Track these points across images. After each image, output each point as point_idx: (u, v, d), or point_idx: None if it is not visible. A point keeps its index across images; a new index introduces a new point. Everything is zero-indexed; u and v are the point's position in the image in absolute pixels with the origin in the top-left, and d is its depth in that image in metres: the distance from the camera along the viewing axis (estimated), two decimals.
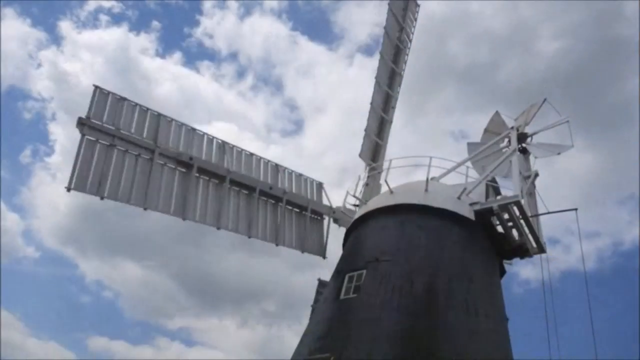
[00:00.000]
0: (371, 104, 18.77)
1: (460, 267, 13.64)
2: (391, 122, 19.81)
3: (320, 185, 19.36)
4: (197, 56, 68.58)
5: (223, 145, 17.21)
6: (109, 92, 15.07)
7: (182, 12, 67.04)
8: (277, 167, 18.30)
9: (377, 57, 19.73)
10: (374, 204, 16.00)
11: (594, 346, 14.25)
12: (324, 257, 18.25)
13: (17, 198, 59.11)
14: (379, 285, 12.92)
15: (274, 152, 62.04)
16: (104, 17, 62.52)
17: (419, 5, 22.27)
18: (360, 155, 18.48)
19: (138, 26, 66.13)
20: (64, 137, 58.24)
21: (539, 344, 14.75)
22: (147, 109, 15.79)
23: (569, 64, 51.59)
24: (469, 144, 19.95)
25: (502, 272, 15.81)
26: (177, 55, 67.62)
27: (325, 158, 61.88)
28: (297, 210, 18.43)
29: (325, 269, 17.82)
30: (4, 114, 53.28)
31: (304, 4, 67.91)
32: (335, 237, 17.99)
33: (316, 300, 18.11)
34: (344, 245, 16.48)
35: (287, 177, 18.37)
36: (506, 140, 18.96)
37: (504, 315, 14.14)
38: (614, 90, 50.66)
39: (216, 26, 65.16)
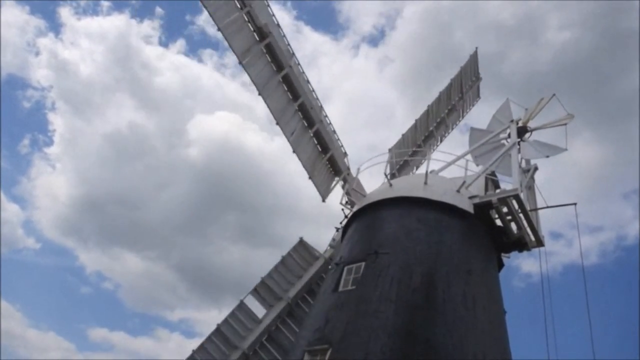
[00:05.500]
0: (294, 151, 16.92)
1: (458, 260, 13.69)
2: (322, 121, 17.85)
3: (301, 243, 18.10)
4: (199, 44, 68.23)
5: (212, 340, 15.87)
6: None
7: None
8: (264, 284, 16.97)
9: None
10: (373, 196, 16.08)
11: (591, 342, 14.34)
12: None
13: (16, 188, 59.15)
14: (377, 277, 13.00)
15: (278, 143, 62.02)
16: (105, 3, 62.12)
17: None
18: (324, 200, 17.85)
19: (141, 13, 65.72)
20: (64, 127, 58.29)
21: (539, 337, 14.85)
22: None
23: (577, 55, 51.22)
24: (472, 130, 19.80)
25: (500, 265, 15.90)
26: (180, 43, 67.36)
27: None
28: (306, 293, 17.78)
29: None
30: (3, 103, 53.04)
31: None
32: None
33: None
34: (342, 237, 16.58)
35: (276, 278, 17.28)
36: (507, 132, 18.90)
37: (501, 308, 14.24)
38: (622, 83, 50.26)
39: None
